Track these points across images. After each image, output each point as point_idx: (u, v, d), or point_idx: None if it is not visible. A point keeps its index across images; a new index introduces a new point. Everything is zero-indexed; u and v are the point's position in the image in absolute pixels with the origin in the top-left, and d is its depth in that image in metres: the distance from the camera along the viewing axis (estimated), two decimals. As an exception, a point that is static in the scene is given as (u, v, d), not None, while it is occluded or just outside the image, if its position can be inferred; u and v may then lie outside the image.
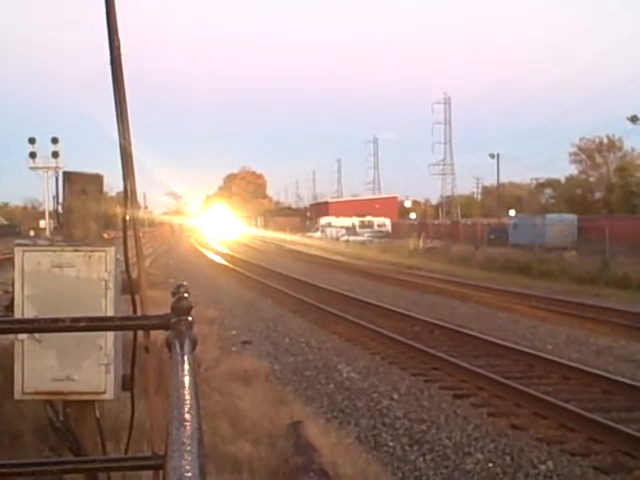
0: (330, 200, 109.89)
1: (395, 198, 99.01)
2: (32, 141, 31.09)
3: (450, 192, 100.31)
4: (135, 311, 3.23)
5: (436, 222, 72.49)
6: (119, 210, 3.46)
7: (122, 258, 3.52)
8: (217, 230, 76.00)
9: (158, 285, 16.84)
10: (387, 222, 75.35)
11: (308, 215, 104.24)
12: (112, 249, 3.71)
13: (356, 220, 74.79)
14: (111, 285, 3.66)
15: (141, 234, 3.38)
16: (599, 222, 38.53)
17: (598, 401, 9.70)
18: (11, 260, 3.87)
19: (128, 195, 3.23)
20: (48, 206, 33.98)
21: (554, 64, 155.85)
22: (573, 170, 77.27)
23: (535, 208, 71.64)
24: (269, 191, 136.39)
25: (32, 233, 54.49)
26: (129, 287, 3.34)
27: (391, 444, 8.21)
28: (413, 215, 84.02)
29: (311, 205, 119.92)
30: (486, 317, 17.70)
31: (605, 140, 73.98)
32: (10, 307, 3.80)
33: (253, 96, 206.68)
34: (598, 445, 7.92)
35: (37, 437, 5.42)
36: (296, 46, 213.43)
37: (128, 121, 3.19)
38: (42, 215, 43.17)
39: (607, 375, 10.75)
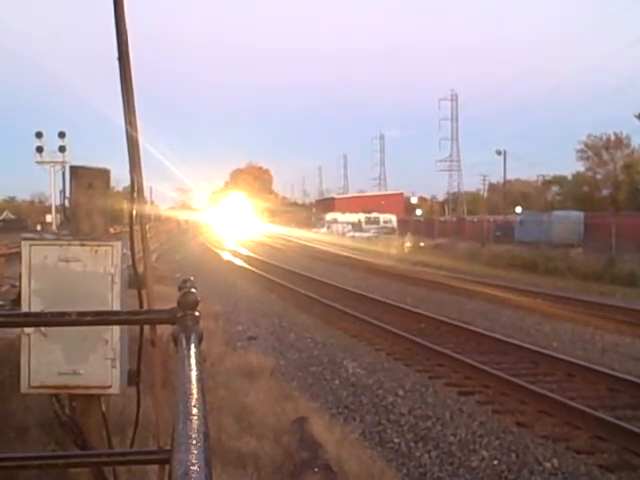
0: (336, 196, 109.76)
1: (401, 194, 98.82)
2: (39, 135, 31.14)
3: (456, 189, 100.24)
4: (141, 305, 3.24)
5: (442, 219, 72.40)
6: (126, 205, 3.47)
7: (128, 252, 3.52)
8: (231, 226, 71.89)
9: (164, 280, 16.87)
10: (393, 218, 75.16)
11: (314, 211, 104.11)
12: (118, 243, 3.72)
13: (362, 216, 74.64)
14: (117, 279, 3.67)
15: (147, 228, 3.39)
16: (606, 219, 38.41)
17: (603, 399, 9.68)
18: (18, 254, 3.88)
19: (135, 189, 3.24)
20: (55, 200, 34.03)
21: (562, 61, 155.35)
22: (580, 167, 77.00)
23: (541, 205, 71.45)
24: (275, 187, 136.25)
25: (39, 227, 54.62)
26: (135, 281, 3.35)
27: (396, 440, 8.21)
28: (419, 211, 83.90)
29: (317, 201, 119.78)
30: (491, 314, 17.67)
31: (612, 137, 73.60)
32: (17, 301, 3.82)
33: (259, 92, 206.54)
34: (603, 443, 7.91)
35: (43, 431, 5.44)
36: (303, 42, 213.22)
37: (135, 116, 3.20)
38: (49, 209, 43.23)
39: (612, 373, 10.73)
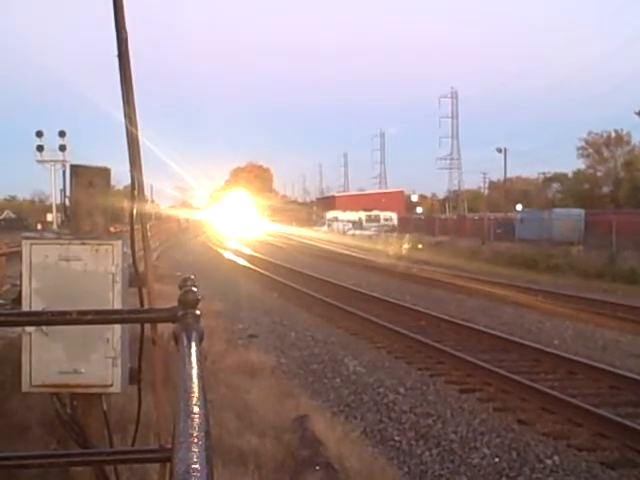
0: (337, 194, 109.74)
1: (402, 192, 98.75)
2: (39, 134, 31.03)
3: (457, 186, 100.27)
4: (142, 304, 3.24)
5: (443, 216, 72.39)
6: (126, 204, 3.47)
7: (129, 251, 3.52)
8: (231, 224, 71.25)
9: (165, 279, 16.86)
10: (394, 216, 75.18)
11: (315, 209, 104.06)
12: (119, 242, 3.72)
13: (362, 214, 74.64)
14: (118, 278, 3.66)
15: (148, 227, 3.39)
16: (606, 217, 38.36)
17: (604, 396, 9.68)
18: (19, 253, 3.88)
19: (135, 188, 3.24)
20: (55, 199, 33.94)
21: (563, 58, 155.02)
22: (580, 164, 76.81)
23: (542, 202, 71.35)
24: (275, 185, 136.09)
25: (39, 226, 54.59)
26: (136, 280, 3.34)
27: (397, 438, 8.22)
28: (420, 209, 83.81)
29: (318, 199, 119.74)
30: (492, 311, 17.67)
31: (613, 134, 73.48)
32: (18, 300, 3.81)
33: (260, 90, 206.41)
34: (605, 440, 7.91)
35: (44, 430, 5.44)
36: (303, 40, 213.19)
37: (136, 115, 3.19)
38: (49, 208, 43.15)
39: (613, 370, 10.73)
